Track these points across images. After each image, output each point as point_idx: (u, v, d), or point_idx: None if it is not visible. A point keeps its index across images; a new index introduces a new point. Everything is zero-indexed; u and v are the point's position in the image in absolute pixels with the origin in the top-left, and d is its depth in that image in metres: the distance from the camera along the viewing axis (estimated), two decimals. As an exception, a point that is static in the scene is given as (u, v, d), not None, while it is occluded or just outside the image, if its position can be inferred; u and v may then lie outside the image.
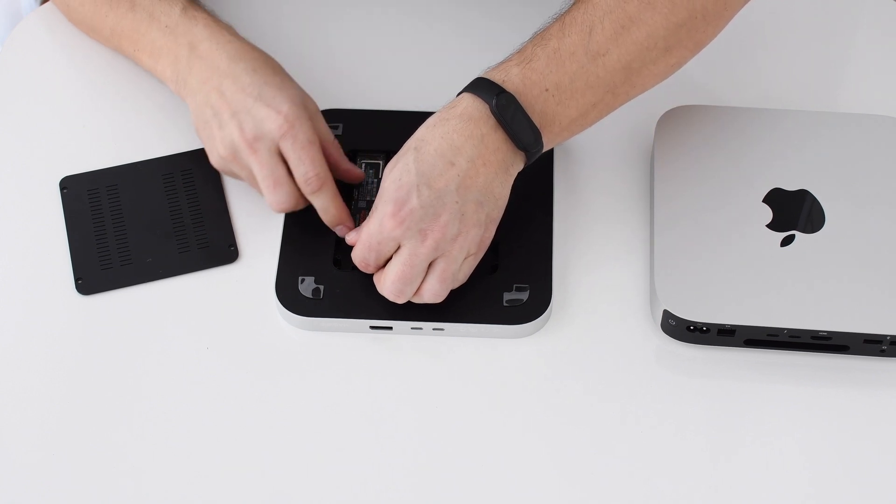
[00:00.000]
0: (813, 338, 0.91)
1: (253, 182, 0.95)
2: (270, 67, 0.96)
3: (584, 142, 1.03)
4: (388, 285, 0.90)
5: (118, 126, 1.04)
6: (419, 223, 0.88)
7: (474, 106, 0.89)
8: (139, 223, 0.98)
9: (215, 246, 0.97)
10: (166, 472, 0.88)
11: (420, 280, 0.90)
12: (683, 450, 0.89)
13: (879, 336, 0.90)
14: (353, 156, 1.01)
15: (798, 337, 0.91)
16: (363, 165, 1.00)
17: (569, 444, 0.89)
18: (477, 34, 1.09)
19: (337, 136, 1.01)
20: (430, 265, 0.90)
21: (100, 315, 0.95)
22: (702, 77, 1.06)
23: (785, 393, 0.92)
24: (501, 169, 0.90)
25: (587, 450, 0.89)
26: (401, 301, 0.91)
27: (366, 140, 1.02)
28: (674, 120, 1.00)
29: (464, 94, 0.90)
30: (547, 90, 0.89)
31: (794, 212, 0.95)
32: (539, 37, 0.92)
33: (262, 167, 0.93)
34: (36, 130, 1.04)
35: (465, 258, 0.91)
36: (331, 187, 0.94)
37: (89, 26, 1.05)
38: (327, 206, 0.94)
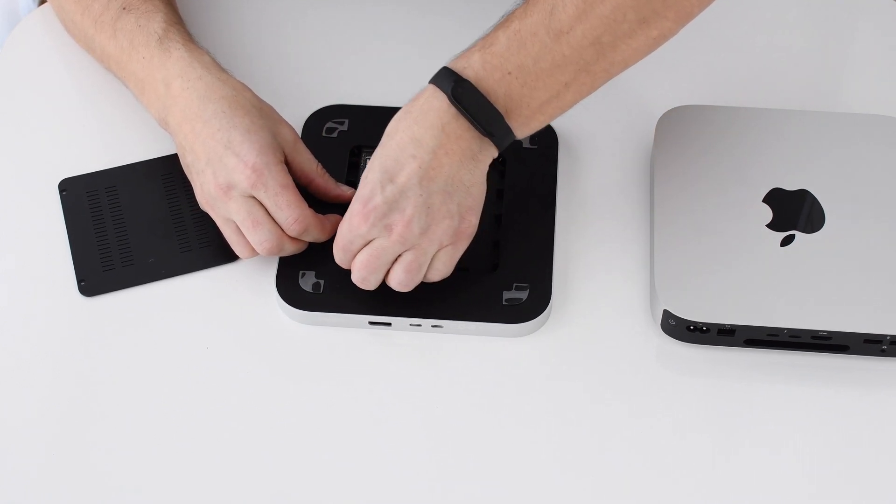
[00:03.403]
0: (813, 338, 0.91)
1: (231, 232, 0.94)
2: (241, 107, 0.94)
3: (584, 142, 1.03)
4: (354, 273, 0.91)
5: (117, 127, 1.04)
6: (384, 219, 0.88)
7: (434, 96, 0.89)
8: (140, 224, 0.99)
9: (217, 244, 0.97)
10: (170, 470, 0.88)
11: (384, 270, 0.90)
12: (683, 449, 0.89)
13: (879, 336, 0.90)
14: (357, 151, 1.01)
15: (798, 337, 0.91)
16: (367, 160, 1.01)
17: (568, 444, 0.89)
18: (482, 31, 1.09)
19: (342, 132, 1.01)
20: (400, 256, 0.90)
21: (104, 316, 0.95)
22: (702, 77, 1.06)
23: (785, 393, 0.92)
24: (467, 157, 0.89)
25: (586, 449, 0.89)
26: (368, 288, 0.91)
27: (371, 136, 1.01)
28: (674, 120, 1.00)
29: (427, 86, 0.90)
30: (510, 73, 0.88)
31: (794, 212, 0.95)
32: (503, 20, 0.90)
33: (238, 211, 0.93)
34: (35, 132, 1.04)
35: (440, 249, 0.90)
36: (315, 223, 0.93)
37: (85, 45, 1.06)
38: (318, 238, 0.94)
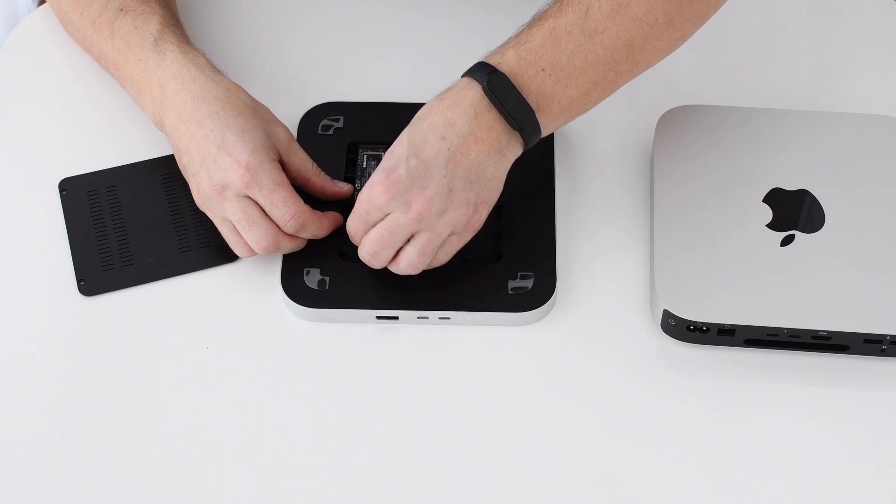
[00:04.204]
0: (813, 338, 0.91)
1: (228, 231, 0.95)
2: (234, 107, 0.95)
3: (584, 141, 1.03)
4: (366, 246, 0.91)
5: (117, 126, 1.04)
6: (405, 193, 0.88)
7: (469, 86, 0.90)
8: (140, 223, 0.99)
9: (217, 244, 0.97)
10: (172, 470, 0.88)
11: (396, 248, 0.90)
12: (683, 449, 0.89)
13: (879, 336, 0.90)
14: (354, 148, 1.02)
15: (798, 337, 0.91)
16: (364, 157, 1.01)
17: (570, 439, 0.90)
18: (477, 26, 1.10)
19: (338, 129, 1.01)
20: (413, 236, 0.90)
21: (103, 316, 0.95)
22: (702, 77, 1.06)
23: (785, 393, 0.92)
24: (495, 149, 0.90)
25: (587, 447, 0.89)
26: (375, 265, 0.91)
27: (367, 132, 1.02)
28: (674, 120, 1.00)
29: (462, 78, 0.91)
30: (543, 70, 0.90)
31: (794, 212, 0.95)
32: (537, 18, 0.92)
33: (234, 211, 0.93)
34: (35, 132, 1.04)
35: (450, 236, 0.91)
36: (312, 219, 0.94)
37: (83, 45, 1.06)
38: (317, 234, 0.95)
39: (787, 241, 0.94)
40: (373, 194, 0.89)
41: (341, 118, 1.03)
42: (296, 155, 0.96)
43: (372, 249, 0.90)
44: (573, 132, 1.03)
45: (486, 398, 0.91)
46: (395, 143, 0.90)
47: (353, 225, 0.92)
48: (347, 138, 1.02)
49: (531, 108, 0.89)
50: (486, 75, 0.89)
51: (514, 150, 0.91)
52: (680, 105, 1.01)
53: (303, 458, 0.89)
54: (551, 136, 1.01)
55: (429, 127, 0.89)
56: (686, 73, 1.06)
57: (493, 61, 0.90)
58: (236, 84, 0.97)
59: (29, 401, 0.91)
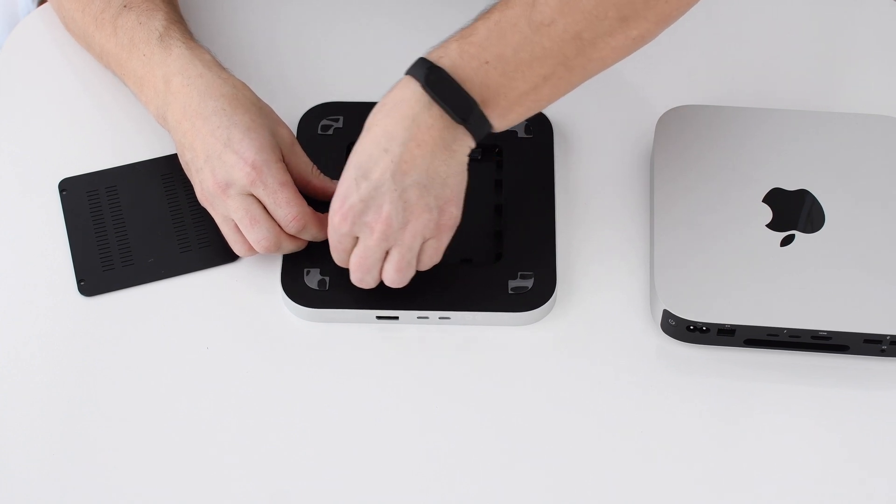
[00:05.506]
0: (813, 338, 0.91)
1: (230, 230, 0.95)
2: (241, 105, 0.95)
3: (584, 141, 1.03)
4: (351, 274, 0.91)
5: (117, 126, 1.04)
6: (362, 216, 0.88)
7: (407, 86, 0.88)
8: (140, 224, 0.99)
9: (217, 244, 0.97)
10: (173, 471, 0.88)
11: (378, 267, 0.91)
12: (682, 449, 0.89)
13: (879, 336, 0.90)
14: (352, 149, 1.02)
15: (798, 337, 0.91)
16: None
17: (570, 438, 0.90)
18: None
19: (338, 130, 1.01)
20: (388, 253, 0.90)
21: (103, 316, 0.95)
22: (702, 77, 1.06)
23: (785, 393, 0.92)
24: (440, 147, 0.88)
25: (587, 447, 0.89)
26: (367, 287, 0.92)
27: None
28: (674, 120, 1.00)
29: (404, 76, 0.89)
30: (488, 63, 0.88)
31: (794, 212, 0.95)
32: (483, 13, 0.90)
33: (237, 209, 0.93)
34: (35, 132, 1.04)
35: (425, 242, 0.90)
36: (314, 220, 0.94)
37: (84, 42, 1.06)
38: (317, 236, 0.95)
39: (787, 241, 0.94)
40: (333, 224, 0.89)
41: (341, 118, 1.03)
42: (297, 156, 0.96)
43: (357, 276, 0.91)
44: (573, 132, 1.03)
45: (486, 398, 0.91)
46: (347, 162, 0.89)
47: (334, 255, 0.92)
48: (347, 138, 1.01)
49: (472, 98, 0.87)
50: (425, 70, 0.87)
51: (464, 143, 0.89)
52: (680, 105, 1.01)
53: (303, 458, 0.89)
54: (551, 136, 1.01)
55: (372, 141, 0.88)
56: (686, 73, 1.06)
57: (433, 56, 0.88)
58: (242, 82, 0.97)
59: (29, 401, 0.91)
